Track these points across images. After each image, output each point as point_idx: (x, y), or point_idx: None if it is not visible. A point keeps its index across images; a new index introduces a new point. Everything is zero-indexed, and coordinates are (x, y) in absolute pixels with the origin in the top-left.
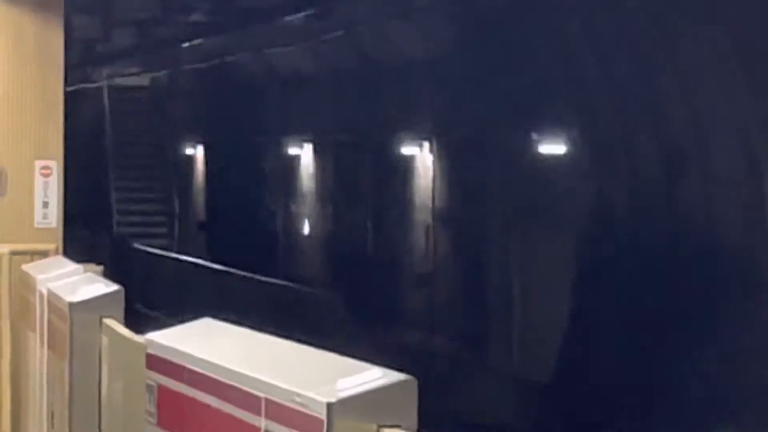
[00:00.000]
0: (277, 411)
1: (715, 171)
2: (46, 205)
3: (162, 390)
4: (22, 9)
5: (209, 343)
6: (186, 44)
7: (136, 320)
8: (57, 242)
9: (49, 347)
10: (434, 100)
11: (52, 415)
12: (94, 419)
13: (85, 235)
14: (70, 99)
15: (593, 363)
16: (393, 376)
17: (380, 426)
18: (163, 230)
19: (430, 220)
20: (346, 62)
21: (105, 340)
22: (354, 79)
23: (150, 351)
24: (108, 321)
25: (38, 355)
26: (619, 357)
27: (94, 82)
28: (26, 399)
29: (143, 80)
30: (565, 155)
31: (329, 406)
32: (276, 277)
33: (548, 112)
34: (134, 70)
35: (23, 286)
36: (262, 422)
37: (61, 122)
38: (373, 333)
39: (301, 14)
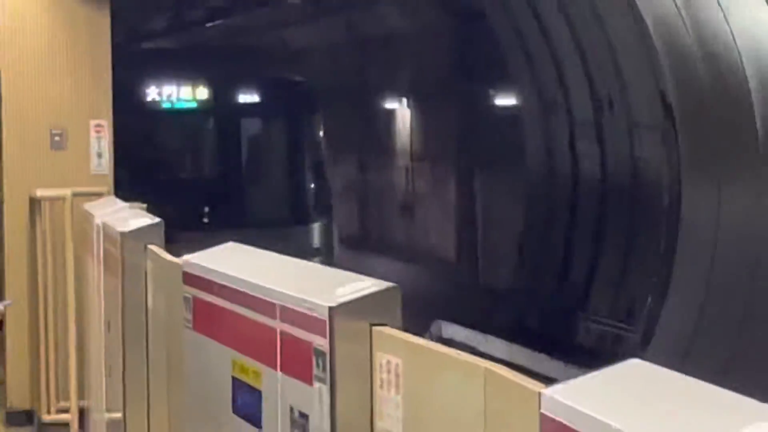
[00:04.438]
0: (288, 315)
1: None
2: (99, 155)
3: (196, 301)
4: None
5: (234, 262)
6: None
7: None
8: (109, 186)
9: (105, 268)
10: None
11: (108, 324)
12: (142, 326)
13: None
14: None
15: (530, 273)
16: (381, 285)
17: (372, 324)
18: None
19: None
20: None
21: (149, 262)
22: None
23: (185, 269)
24: (151, 247)
25: (96, 275)
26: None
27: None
28: (87, 310)
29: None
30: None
31: (330, 309)
32: None
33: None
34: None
35: (83, 220)
36: (277, 324)
37: (110, 89)
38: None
39: None
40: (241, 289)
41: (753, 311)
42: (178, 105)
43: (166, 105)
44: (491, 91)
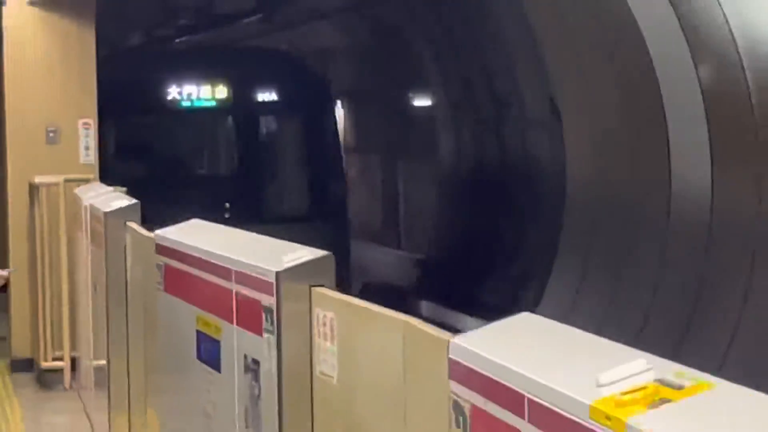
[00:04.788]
0: (242, 278)
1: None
2: (87, 148)
3: (166, 267)
4: (66, 16)
5: (197, 235)
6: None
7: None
8: (95, 173)
9: (92, 241)
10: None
11: (95, 287)
12: (122, 289)
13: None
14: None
15: (443, 244)
16: (318, 253)
17: (311, 285)
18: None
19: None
20: None
21: (128, 236)
22: None
23: (157, 242)
24: (130, 223)
25: (84, 247)
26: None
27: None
28: (77, 276)
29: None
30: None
31: (277, 273)
32: None
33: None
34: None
35: (73, 202)
36: (233, 286)
37: (95, 93)
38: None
39: None
40: (203, 258)
41: (622, 274)
42: (197, 103)
43: (185, 104)
44: (409, 94)
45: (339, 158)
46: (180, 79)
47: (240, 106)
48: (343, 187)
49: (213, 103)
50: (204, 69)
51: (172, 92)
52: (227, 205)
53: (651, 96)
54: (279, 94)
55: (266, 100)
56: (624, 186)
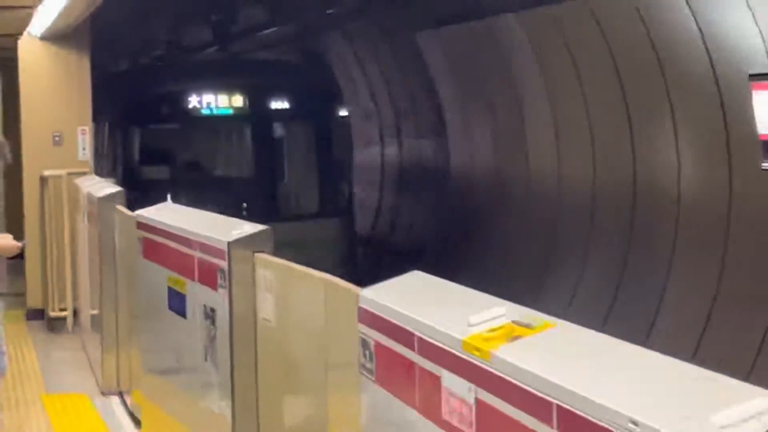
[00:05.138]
0: (202, 247)
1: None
2: (84, 148)
3: (146, 240)
4: (68, 48)
5: (169, 215)
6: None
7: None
8: (90, 167)
9: (88, 220)
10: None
11: (90, 254)
12: (112, 256)
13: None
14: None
15: (378, 226)
16: (260, 227)
17: (254, 252)
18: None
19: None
20: None
21: (116, 215)
22: None
23: (138, 220)
24: (118, 206)
25: (83, 224)
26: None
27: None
28: (77, 246)
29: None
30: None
31: (228, 243)
32: None
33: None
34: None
35: (74, 189)
36: (195, 253)
37: (89, 106)
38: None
39: None
40: (173, 232)
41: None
42: (217, 112)
43: (205, 111)
44: (331, 105)
45: (345, 162)
46: (200, 89)
47: (255, 113)
48: (348, 186)
49: (230, 111)
50: (222, 80)
51: (193, 101)
52: (244, 204)
53: (514, 113)
54: (290, 102)
55: (279, 107)
56: (491, 173)
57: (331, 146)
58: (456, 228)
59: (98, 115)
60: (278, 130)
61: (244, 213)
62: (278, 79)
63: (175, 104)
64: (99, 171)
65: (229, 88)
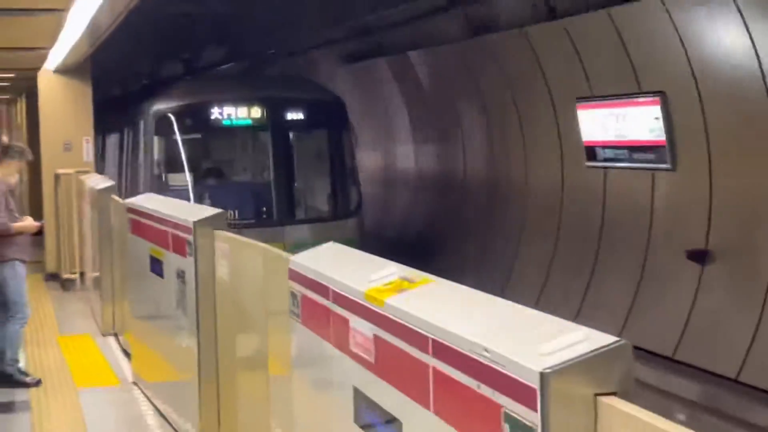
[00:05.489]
0: (174, 226)
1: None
2: (87, 153)
3: (132, 220)
4: (75, 78)
5: (150, 203)
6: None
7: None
8: (92, 167)
9: (91, 207)
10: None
11: (93, 231)
12: (108, 232)
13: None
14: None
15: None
16: (216, 211)
17: (214, 229)
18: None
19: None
20: None
21: (111, 203)
22: None
23: (128, 206)
24: (113, 196)
25: (87, 210)
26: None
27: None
28: (83, 226)
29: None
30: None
31: (194, 222)
32: None
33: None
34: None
35: (80, 184)
36: (169, 230)
37: (91, 121)
38: None
39: None
40: (153, 214)
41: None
42: (236, 122)
43: (226, 122)
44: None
45: (355, 168)
46: (221, 101)
47: (272, 124)
48: (358, 192)
49: (249, 122)
50: (241, 93)
51: (215, 113)
52: (263, 209)
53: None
54: (304, 113)
55: (294, 118)
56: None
57: (343, 154)
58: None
59: (125, 125)
60: (294, 138)
61: (264, 217)
62: (292, 91)
63: (199, 116)
64: (113, 174)
65: (249, 101)
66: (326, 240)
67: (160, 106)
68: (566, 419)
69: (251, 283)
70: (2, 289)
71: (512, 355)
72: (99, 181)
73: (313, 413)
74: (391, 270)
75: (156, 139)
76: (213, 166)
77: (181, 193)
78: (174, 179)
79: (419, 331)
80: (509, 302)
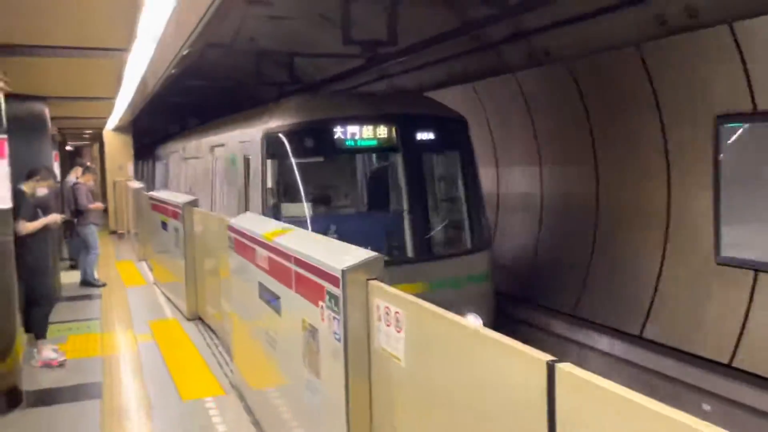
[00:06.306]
0: (173, 205)
1: None
2: (131, 171)
3: (152, 204)
4: (121, 132)
5: (162, 193)
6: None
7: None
8: (132, 177)
9: (132, 198)
10: None
11: (133, 210)
12: (141, 211)
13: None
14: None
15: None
16: (190, 198)
17: (192, 206)
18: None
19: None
20: None
21: (141, 195)
22: None
23: (149, 195)
24: (142, 191)
25: (131, 201)
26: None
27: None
28: (128, 208)
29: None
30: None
31: (183, 204)
32: None
33: None
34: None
35: (126, 186)
36: (170, 207)
37: (132, 156)
38: None
39: None
40: (162, 198)
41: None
42: (361, 143)
43: (349, 143)
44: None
45: (483, 193)
46: (344, 120)
47: (403, 144)
48: (488, 221)
49: (375, 143)
50: (367, 110)
51: (337, 132)
52: (396, 244)
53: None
54: (435, 133)
55: (425, 138)
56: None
57: (472, 179)
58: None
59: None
60: (426, 161)
61: (396, 253)
62: (420, 108)
63: (319, 136)
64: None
65: (375, 119)
66: (462, 278)
67: (272, 125)
68: (353, 292)
69: (213, 236)
70: (87, 238)
71: (330, 262)
72: (136, 185)
73: (241, 294)
74: (275, 224)
75: (269, 163)
76: (334, 193)
77: (298, 225)
78: (289, 210)
79: (288, 252)
80: (332, 239)
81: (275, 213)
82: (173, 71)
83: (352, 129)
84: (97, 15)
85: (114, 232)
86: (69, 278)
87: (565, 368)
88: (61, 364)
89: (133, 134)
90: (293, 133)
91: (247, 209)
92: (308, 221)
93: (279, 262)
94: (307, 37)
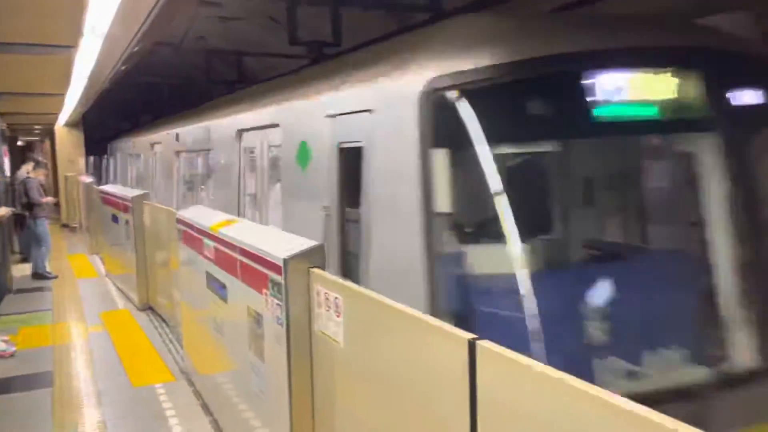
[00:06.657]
0: (123, 199)
1: None
2: (82, 165)
3: (103, 197)
4: (73, 128)
5: (112, 187)
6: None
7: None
8: (84, 172)
9: (83, 192)
10: None
11: (85, 204)
12: (91, 204)
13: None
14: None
15: None
16: (139, 192)
17: (143, 201)
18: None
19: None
20: None
21: (93, 190)
22: None
23: (99, 189)
24: (93, 186)
25: (81, 194)
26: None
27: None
28: (80, 202)
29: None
30: None
31: (133, 198)
32: None
33: None
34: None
35: (77, 181)
36: (120, 201)
37: (83, 151)
38: None
39: None
40: (112, 193)
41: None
42: (641, 109)
43: (613, 109)
44: None
45: None
46: (608, 59)
47: (716, 119)
48: None
49: (656, 112)
50: (657, 39)
51: (592, 86)
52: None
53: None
54: (757, 86)
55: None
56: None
57: None
58: None
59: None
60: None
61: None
62: (730, 42)
63: (553, 93)
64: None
65: (670, 59)
66: None
67: (446, 68)
68: (294, 279)
69: (162, 227)
70: (39, 231)
71: (272, 251)
72: (87, 179)
73: (189, 284)
74: (222, 216)
75: (442, 158)
76: (588, 217)
77: (499, 282)
78: (479, 256)
79: (233, 243)
80: (276, 229)
81: (455, 265)
82: (123, 68)
83: (622, 80)
84: (44, 12)
85: (66, 226)
86: (20, 271)
87: (485, 345)
88: (12, 355)
89: (85, 130)
90: (515, 86)
91: (343, 259)
92: (520, 282)
93: (225, 253)
94: (256, 38)
